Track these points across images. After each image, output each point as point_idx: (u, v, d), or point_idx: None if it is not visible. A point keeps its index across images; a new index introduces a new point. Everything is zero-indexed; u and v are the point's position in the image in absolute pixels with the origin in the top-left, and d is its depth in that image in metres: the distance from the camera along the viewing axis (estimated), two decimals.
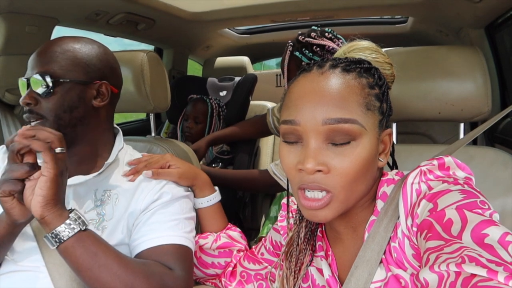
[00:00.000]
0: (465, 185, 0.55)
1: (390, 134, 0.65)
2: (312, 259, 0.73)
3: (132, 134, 1.28)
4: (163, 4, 1.69)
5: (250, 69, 2.58)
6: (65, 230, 0.70)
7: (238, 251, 0.96)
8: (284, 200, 0.84)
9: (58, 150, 0.71)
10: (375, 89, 0.61)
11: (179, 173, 0.93)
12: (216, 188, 1.02)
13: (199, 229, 1.02)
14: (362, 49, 0.71)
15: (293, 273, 0.73)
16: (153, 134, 1.33)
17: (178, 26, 2.03)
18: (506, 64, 1.70)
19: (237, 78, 2.10)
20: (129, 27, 1.78)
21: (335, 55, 0.71)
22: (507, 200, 0.92)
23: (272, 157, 2.02)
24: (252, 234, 1.89)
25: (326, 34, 1.28)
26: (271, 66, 3.94)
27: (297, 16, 2.10)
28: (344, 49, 0.72)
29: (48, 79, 0.82)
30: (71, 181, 0.83)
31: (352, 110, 0.58)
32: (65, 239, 0.70)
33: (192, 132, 1.88)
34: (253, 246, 0.95)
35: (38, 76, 0.82)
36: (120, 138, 0.95)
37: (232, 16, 1.97)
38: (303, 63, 1.26)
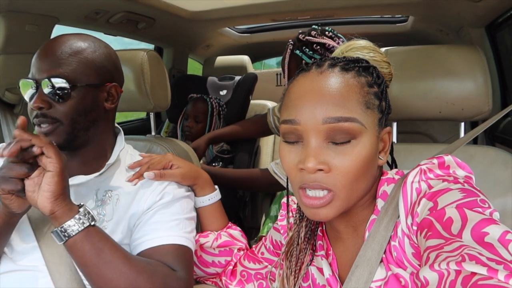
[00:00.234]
0: (465, 184, 0.55)
1: (390, 133, 0.65)
2: (313, 259, 0.73)
3: (132, 133, 1.28)
4: (163, 3, 1.69)
5: (250, 68, 2.58)
6: (74, 224, 0.70)
7: (239, 249, 0.96)
8: (285, 199, 0.84)
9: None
10: (374, 88, 0.62)
11: (182, 173, 0.93)
12: (216, 186, 1.02)
13: (200, 228, 1.02)
14: (360, 48, 0.71)
15: (293, 273, 0.73)
16: (153, 133, 1.33)
17: (178, 25, 2.03)
18: (507, 64, 1.70)
19: (237, 77, 2.10)
20: (129, 26, 1.77)
21: (333, 55, 0.71)
22: (507, 199, 0.92)
23: (272, 156, 2.02)
24: (252, 233, 1.90)
25: (327, 32, 1.28)
26: (271, 65, 3.94)
27: (297, 15, 2.10)
28: (342, 49, 0.72)
29: (65, 83, 0.81)
30: (72, 181, 0.83)
31: (351, 108, 0.58)
32: (74, 234, 0.70)
33: (192, 131, 1.88)
34: (254, 246, 0.95)
35: (52, 80, 0.80)
36: (121, 138, 0.95)
37: (232, 15, 1.97)
38: (303, 61, 1.26)
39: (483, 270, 0.40)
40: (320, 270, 0.70)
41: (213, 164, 1.79)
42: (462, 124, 1.08)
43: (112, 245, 0.74)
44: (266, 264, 0.89)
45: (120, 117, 2.31)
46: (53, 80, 0.80)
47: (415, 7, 1.89)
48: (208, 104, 1.91)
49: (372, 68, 0.64)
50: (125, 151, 0.96)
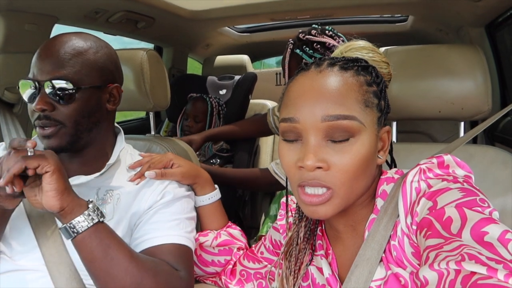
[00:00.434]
0: (465, 183, 0.55)
1: (389, 132, 0.66)
2: (312, 258, 0.73)
3: (132, 132, 1.28)
4: (163, 2, 1.68)
5: (250, 67, 2.58)
6: (84, 220, 0.71)
7: (238, 249, 0.96)
8: (284, 199, 0.84)
9: (31, 151, 0.69)
10: (373, 87, 0.62)
11: (182, 172, 0.93)
12: (216, 186, 1.02)
13: (199, 227, 1.02)
14: (359, 48, 0.71)
15: (292, 273, 0.73)
16: (152, 133, 1.33)
17: (177, 24, 2.02)
18: (506, 63, 1.70)
19: (237, 77, 2.09)
20: (129, 26, 1.77)
21: (332, 55, 0.72)
22: (507, 199, 0.92)
23: (272, 155, 2.02)
24: (251, 233, 1.90)
25: (327, 31, 1.29)
26: (271, 64, 3.94)
27: (297, 15, 2.10)
28: (341, 49, 0.72)
29: (69, 85, 0.80)
30: (73, 181, 0.83)
31: (350, 107, 0.58)
32: (83, 229, 0.70)
33: (192, 131, 1.87)
34: (253, 245, 0.95)
35: (56, 81, 0.79)
36: (121, 138, 0.95)
37: (232, 14, 1.97)
38: (303, 60, 1.26)
39: (482, 270, 0.40)
40: (320, 270, 0.70)
41: (211, 162, 1.79)
42: (462, 123, 1.08)
43: (119, 242, 0.74)
44: (266, 263, 0.89)
45: (119, 116, 2.30)
46: (56, 81, 0.79)
47: (414, 7, 1.89)
48: (207, 103, 1.91)
49: (371, 68, 0.65)
50: (125, 151, 0.97)
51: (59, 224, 0.73)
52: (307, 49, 1.26)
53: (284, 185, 1.24)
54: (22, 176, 0.68)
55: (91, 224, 0.71)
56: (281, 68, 1.38)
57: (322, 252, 0.71)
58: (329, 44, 1.25)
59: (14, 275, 0.81)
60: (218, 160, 1.80)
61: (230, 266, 0.95)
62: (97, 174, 0.87)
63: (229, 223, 1.03)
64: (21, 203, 0.83)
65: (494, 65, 1.70)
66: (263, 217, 1.88)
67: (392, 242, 0.59)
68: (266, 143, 2.04)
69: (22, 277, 0.80)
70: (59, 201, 0.69)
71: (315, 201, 0.59)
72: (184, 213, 0.89)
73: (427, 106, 1.04)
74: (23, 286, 0.80)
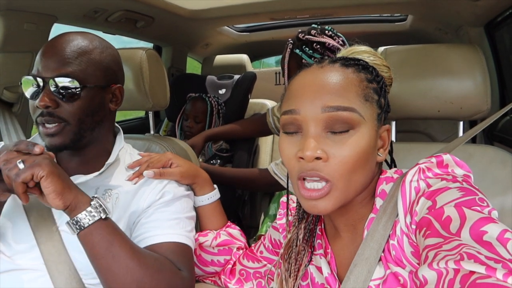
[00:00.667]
0: (464, 183, 0.55)
1: (389, 130, 0.66)
2: (311, 258, 0.73)
3: (131, 132, 1.28)
4: (162, 1, 1.68)
5: (249, 67, 2.58)
6: (86, 217, 0.71)
7: (238, 248, 0.96)
8: (283, 198, 0.84)
9: (20, 164, 0.69)
10: (373, 84, 0.63)
11: (181, 172, 0.93)
12: (215, 186, 1.02)
13: (199, 227, 1.02)
14: (361, 52, 0.73)
15: (292, 274, 0.73)
16: (152, 132, 1.33)
17: (177, 24, 2.02)
18: (506, 63, 1.70)
19: (236, 76, 2.09)
20: (128, 25, 1.77)
21: None
22: (506, 198, 0.92)
23: (271, 155, 2.02)
24: (251, 232, 1.90)
25: (326, 31, 1.29)
26: (270, 64, 3.94)
27: (296, 14, 2.10)
28: (343, 53, 0.74)
29: (75, 83, 0.80)
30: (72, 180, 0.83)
31: (350, 99, 0.59)
32: (85, 226, 0.71)
33: (192, 131, 1.87)
34: (253, 245, 0.95)
35: (62, 79, 0.80)
36: (121, 137, 0.95)
37: (231, 14, 1.97)
38: (303, 60, 1.26)
39: (481, 269, 0.40)
40: (319, 269, 0.70)
41: (211, 162, 1.79)
42: (461, 123, 1.08)
43: (122, 239, 0.74)
44: (265, 263, 0.89)
45: (118, 115, 2.31)
46: (62, 78, 0.80)
47: (414, 6, 1.89)
48: (207, 103, 1.91)
49: (372, 68, 0.66)
50: (124, 150, 0.97)
51: (66, 219, 0.74)
52: (307, 49, 1.26)
53: (284, 185, 1.25)
54: None
55: (92, 221, 0.72)
56: (280, 68, 1.38)
57: (321, 251, 0.71)
58: (329, 44, 1.25)
59: (13, 275, 0.81)
60: (219, 161, 1.80)
61: (230, 266, 0.95)
62: (96, 173, 0.87)
63: (229, 223, 1.03)
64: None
65: (493, 64, 1.70)
66: (262, 217, 1.88)
67: (391, 242, 0.59)
68: (265, 143, 2.04)
69: (22, 277, 0.80)
70: (61, 200, 0.70)
71: (315, 195, 0.59)
72: (184, 212, 0.89)
73: (426, 106, 1.04)
74: (22, 285, 0.80)
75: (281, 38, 1.78)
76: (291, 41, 1.31)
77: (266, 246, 0.89)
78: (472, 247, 0.43)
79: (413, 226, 0.55)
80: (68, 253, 0.81)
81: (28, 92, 0.83)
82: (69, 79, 0.80)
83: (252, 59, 2.95)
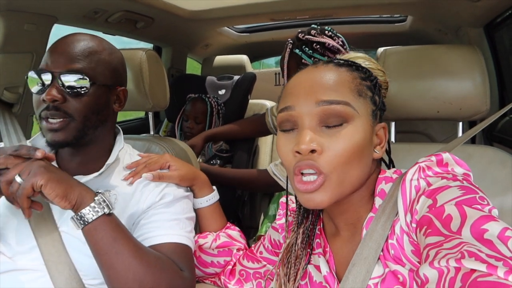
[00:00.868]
0: (464, 181, 0.56)
1: (385, 128, 0.67)
2: (309, 260, 0.73)
3: (131, 132, 1.28)
4: (162, 2, 1.68)
5: (249, 67, 2.58)
6: (89, 212, 0.72)
7: (238, 250, 0.96)
8: (283, 199, 0.84)
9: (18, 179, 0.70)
10: (366, 82, 0.65)
11: (180, 175, 0.94)
12: (214, 187, 1.02)
13: (198, 229, 1.02)
14: (355, 58, 0.77)
15: (291, 278, 0.73)
16: (151, 133, 1.33)
17: (177, 24, 2.02)
18: (505, 63, 1.70)
19: (236, 77, 2.09)
20: (128, 26, 1.77)
21: None
22: (506, 198, 0.92)
23: (271, 155, 2.02)
24: (250, 233, 1.90)
25: (326, 32, 1.29)
26: (270, 64, 3.95)
27: (296, 15, 2.10)
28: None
29: (85, 79, 0.81)
30: None
31: (344, 94, 0.61)
32: (89, 221, 0.71)
33: (193, 132, 1.87)
34: (252, 245, 0.95)
35: (71, 74, 0.80)
36: (121, 138, 0.95)
37: (231, 14, 1.97)
38: (302, 60, 1.26)
39: (482, 267, 0.40)
40: (317, 268, 0.70)
41: (211, 162, 1.79)
42: (460, 123, 1.08)
43: (125, 236, 0.75)
44: (265, 263, 0.89)
45: (118, 116, 2.31)
46: (72, 74, 0.80)
47: (413, 7, 1.89)
48: (207, 104, 1.91)
49: (365, 69, 0.68)
50: (124, 151, 0.97)
51: (66, 219, 0.75)
52: (307, 49, 1.26)
53: (283, 186, 1.25)
54: None
55: (95, 217, 0.72)
56: (280, 68, 1.38)
57: (320, 250, 0.72)
58: (328, 44, 1.26)
59: (14, 275, 0.81)
60: (218, 161, 1.80)
61: (230, 266, 0.95)
62: (96, 174, 0.87)
63: (228, 224, 1.03)
64: None
65: (492, 65, 1.70)
66: (262, 217, 1.88)
67: (390, 241, 0.59)
68: (265, 143, 2.04)
69: (22, 277, 0.80)
70: (66, 202, 0.71)
71: (310, 188, 0.60)
72: (184, 213, 0.89)
73: (425, 106, 1.04)
74: (22, 286, 0.80)
75: (281, 39, 1.78)
76: (290, 41, 1.31)
77: (266, 246, 0.89)
78: (473, 245, 0.43)
79: (414, 225, 0.55)
80: (68, 253, 0.81)
81: (34, 86, 0.83)
82: (79, 75, 0.81)
83: (252, 59, 2.95)
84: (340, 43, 1.30)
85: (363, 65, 0.70)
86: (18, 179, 0.69)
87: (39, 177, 0.69)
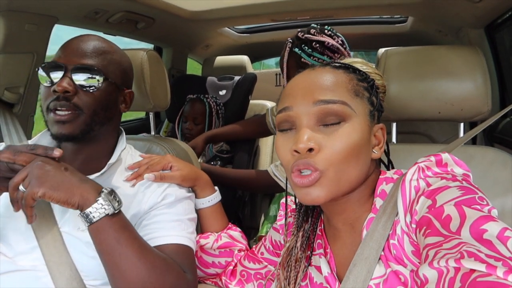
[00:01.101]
0: (464, 182, 0.56)
1: (383, 129, 0.68)
2: (310, 261, 0.73)
3: (132, 133, 1.28)
4: (163, 2, 1.68)
5: (250, 68, 2.58)
6: (92, 213, 0.71)
7: (239, 250, 0.96)
8: (284, 200, 0.84)
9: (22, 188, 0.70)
10: (363, 83, 0.66)
11: (182, 176, 0.94)
12: (216, 188, 1.02)
13: (199, 229, 1.02)
14: (353, 62, 0.77)
15: (291, 282, 0.73)
16: (152, 133, 1.33)
17: (177, 25, 2.02)
18: (506, 64, 1.70)
19: (237, 77, 2.09)
20: (129, 26, 1.77)
21: None
22: (507, 199, 0.92)
23: (271, 156, 2.02)
24: (251, 233, 1.90)
25: (326, 31, 1.29)
26: (271, 65, 3.95)
27: (297, 15, 2.10)
28: None
29: (98, 74, 0.83)
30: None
31: (341, 94, 0.62)
32: (94, 220, 0.71)
33: (192, 133, 1.86)
34: (253, 246, 0.95)
35: (87, 69, 0.82)
36: (123, 138, 0.96)
37: (231, 15, 1.97)
38: (302, 59, 1.26)
39: (482, 267, 0.40)
40: (318, 269, 0.70)
41: (212, 163, 1.79)
42: (461, 124, 1.08)
43: (129, 237, 0.74)
44: (266, 264, 0.89)
45: None
46: (85, 69, 0.82)
47: (414, 8, 1.89)
48: (205, 104, 1.90)
49: (362, 72, 0.69)
50: (126, 152, 0.97)
51: (67, 220, 0.75)
52: (306, 48, 1.26)
53: (283, 187, 1.25)
54: None
55: (98, 218, 0.71)
56: (280, 68, 1.38)
57: (321, 250, 0.72)
58: (328, 43, 1.26)
59: (15, 276, 0.81)
60: (219, 162, 1.80)
61: (231, 267, 0.95)
62: (98, 173, 0.87)
63: (230, 225, 1.03)
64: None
65: (493, 66, 1.70)
66: (262, 218, 1.88)
67: (391, 241, 0.59)
68: (265, 144, 2.04)
69: (23, 277, 0.80)
70: (69, 204, 0.71)
71: (306, 182, 0.60)
72: (186, 214, 0.89)
73: (426, 107, 1.04)
74: (23, 286, 0.80)
75: (281, 39, 1.77)
76: (290, 40, 1.31)
77: (267, 247, 0.89)
78: (472, 246, 0.43)
79: (413, 225, 0.55)
80: (70, 254, 0.81)
81: (45, 78, 0.84)
82: (92, 70, 0.83)
83: (253, 60, 2.95)
84: (340, 42, 1.30)
85: (360, 69, 0.71)
86: (21, 188, 0.70)
87: (37, 188, 0.68)
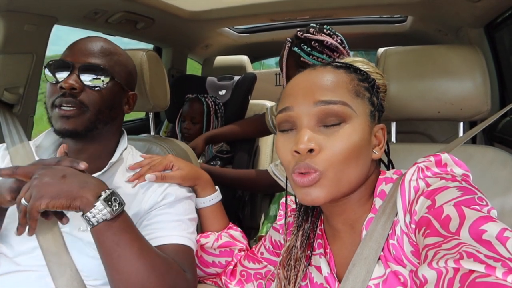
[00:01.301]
0: (463, 182, 0.56)
1: (384, 129, 0.68)
2: (310, 261, 0.73)
3: (132, 133, 1.28)
4: (162, 3, 1.68)
5: (249, 68, 2.58)
6: (92, 218, 0.71)
7: (239, 250, 0.96)
8: (284, 199, 0.84)
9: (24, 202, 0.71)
10: (364, 83, 0.65)
11: (182, 175, 0.94)
12: (217, 187, 1.02)
13: (200, 229, 1.02)
14: (353, 61, 0.78)
15: (291, 281, 0.73)
16: (152, 133, 1.33)
17: (177, 25, 2.02)
18: (505, 64, 1.70)
19: (237, 77, 2.09)
20: (128, 26, 1.77)
21: None
22: (506, 199, 0.92)
23: (271, 156, 2.02)
24: (251, 233, 1.90)
25: (325, 30, 1.29)
26: (270, 65, 3.95)
27: (296, 15, 2.10)
28: None
29: (106, 74, 0.85)
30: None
31: (341, 94, 0.62)
32: (95, 224, 0.71)
33: (190, 132, 1.86)
34: (253, 246, 0.95)
35: (94, 68, 0.83)
36: (124, 138, 0.96)
37: (231, 15, 1.97)
38: (301, 58, 1.26)
39: (481, 268, 0.40)
40: (318, 269, 0.70)
41: (212, 163, 1.79)
42: (461, 124, 1.08)
43: (129, 239, 0.74)
44: (266, 264, 0.89)
45: None
46: (92, 67, 0.83)
47: (414, 7, 1.89)
48: (203, 103, 1.90)
49: (363, 71, 0.68)
50: (127, 152, 0.97)
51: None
52: (305, 47, 1.26)
53: (283, 186, 1.25)
54: None
55: (96, 223, 0.71)
56: (279, 67, 1.38)
57: (321, 250, 0.72)
58: (327, 42, 1.26)
59: (15, 276, 0.81)
60: (219, 162, 1.80)
61: (231, 267, 0.95)
62: (99, 173, 0.87)
63: (230, 225, 1.03)
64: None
65: (493, 65, 1.70)
66: (262, 218, 1.88)
67: (391, 241, 0.59)
68: (265, 144, 2.04)
69: (23, 278, 0.80)
70: (73, 208, 0.71)
71: (306, 182, 0.60)
72: (186, 214, 0.89)
73: (426, 107, 1.04)
74: (24, 286, 0.80)
75: (281, 39, 1.77)
76: (289, 40, 1.31)
77: (267, 247, 0.89)
78: (472, 246, 0.43)
79: (413, 226, 0.55)
80: (70, 254, 0.81)
81: (51, 75, 0.84)
82: (99, 69, 0.84)
83: (252, 60, 2.95)
84: (339, 41, 1.30)
85: (361, 68, 0.71)
86: (23, 202, 0.70)
87: (39, 201, 0.68)
